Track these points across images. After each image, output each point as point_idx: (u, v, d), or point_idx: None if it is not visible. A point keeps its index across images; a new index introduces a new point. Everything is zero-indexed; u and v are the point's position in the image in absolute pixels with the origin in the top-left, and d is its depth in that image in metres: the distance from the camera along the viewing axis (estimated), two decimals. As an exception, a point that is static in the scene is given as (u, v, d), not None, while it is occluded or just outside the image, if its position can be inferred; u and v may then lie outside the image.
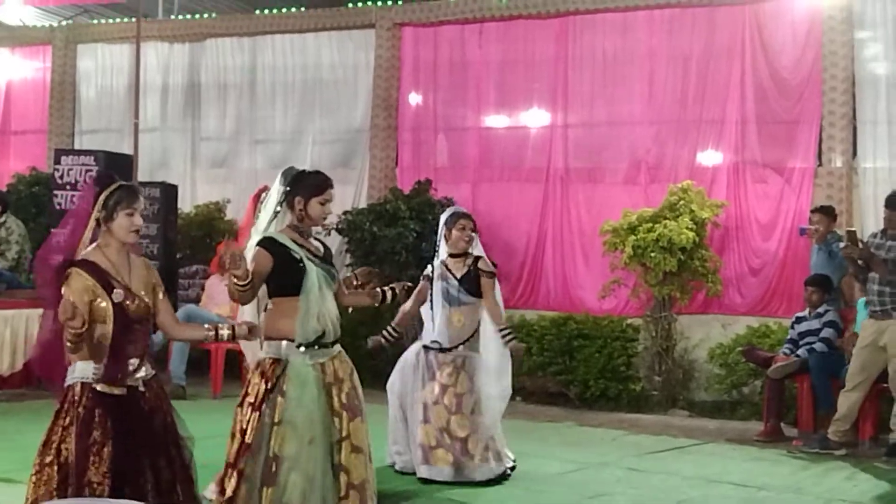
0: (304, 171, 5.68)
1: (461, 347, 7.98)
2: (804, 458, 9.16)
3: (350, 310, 6.00)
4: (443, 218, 8.13)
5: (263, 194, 6.79)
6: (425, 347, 8.09)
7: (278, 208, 5.54)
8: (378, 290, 6.05)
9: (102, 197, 4.80)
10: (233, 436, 5.36)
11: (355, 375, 5.67)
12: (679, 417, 11.23)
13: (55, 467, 4.61)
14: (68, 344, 4.60)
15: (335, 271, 5.66)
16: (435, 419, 7.87)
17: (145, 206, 5.12)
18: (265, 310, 5.57)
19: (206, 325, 5.17)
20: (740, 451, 9.49)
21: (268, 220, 5.52)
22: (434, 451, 7.82)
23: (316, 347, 5.44)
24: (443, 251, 8.02)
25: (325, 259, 5.63)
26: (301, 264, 5.40)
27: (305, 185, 5.56)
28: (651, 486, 7.97)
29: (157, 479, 4.69)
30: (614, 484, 8.02)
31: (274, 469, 5.24)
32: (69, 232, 4.92)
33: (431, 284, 7.84)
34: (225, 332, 5.01)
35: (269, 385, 5.30)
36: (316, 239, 5.72)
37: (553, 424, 10.75)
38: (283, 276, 5.37)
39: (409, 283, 6.62)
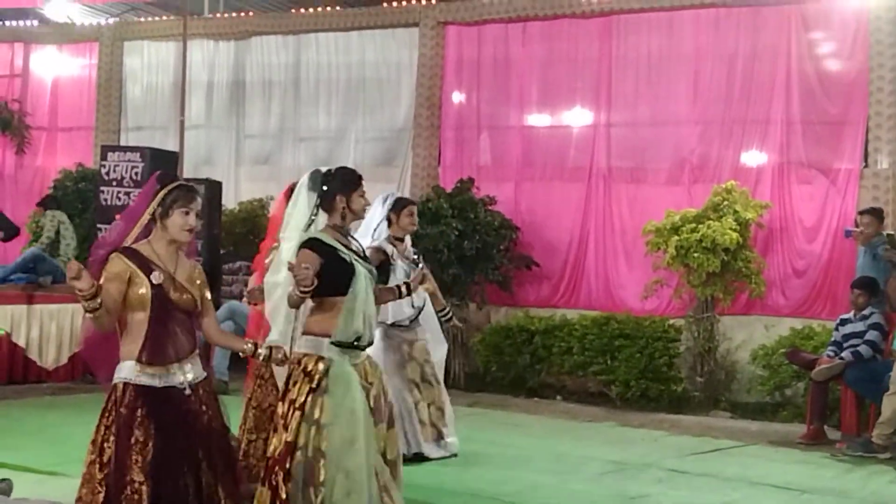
0: (329, 170, 5.61)
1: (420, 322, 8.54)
2: (848, 462, 9.08)
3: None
4: (387, 201, 8.33)
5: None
6: (393, 326, 8.38)
7: (315, 211, 5.49)
8: (395, 286, 6.13)
9: (161, 194, 4.87)
10: (274, 430, 5.37)
11: (384, 379, 5.66)
12: (721, 419, 11.17)
13: (97, 466, 4.64)
14: (89, 315, 4.63)
15: (375, 271, 5.65)
16: (427, 395, 8.44)
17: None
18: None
19: (247, 341, 5.22)
20: (783, 453, 9.42)
21: (306, 224, 5.45)
22: (436, 429, 8.45)
23: (352, 349, 5.42)
24: (383, 233, 8.22)
25: (366, 258, 5.62)
26: (349, 265, 5.38)
27: (343, 183, 5.51)
28: (693, 488, 7.93)
29: (198, 482, 4.71)
30: (655, 485, 7.99)
31: (317, 469, 5.23)
32: (121, 226, 5.01)
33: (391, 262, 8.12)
34: (262, 353, 5.06)
35: (314, 384, 5.29)
36: (353, 238, 5.69)
37: (594, 424, 10.72)
38: (330, 277, 5.28)
39: (425, 271, 6.61)
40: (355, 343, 5.40)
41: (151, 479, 4.58)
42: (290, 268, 5.13)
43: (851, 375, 9.70)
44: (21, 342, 11.62)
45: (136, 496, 4.55)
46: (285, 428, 5.26)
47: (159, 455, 4.62)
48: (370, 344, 5.56)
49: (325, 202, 5.48)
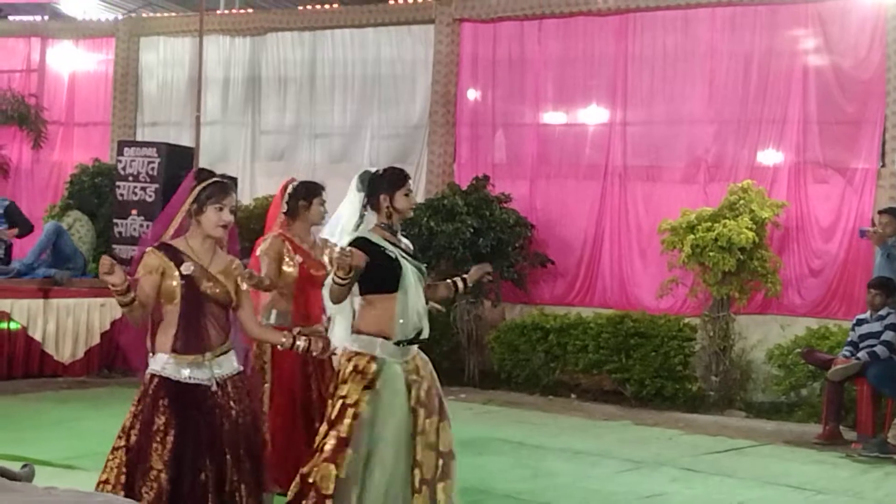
0: (377, 171, 5.67)
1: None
2: (863, 462, 9.07)
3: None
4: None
5: (290, 186, 6.85)
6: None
7: (363, 211, 5.55)
8: (450, 280, 5.98)
9: (196, 190, 4.95)
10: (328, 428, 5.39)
11: (434, 373, 5.64)
12: (736, 418, 11.15)
13: (123, 452, 4.72)
14: (123, 309, 4.71)
15: (424, 267, 5.67)
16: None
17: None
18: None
19: (285, 334, 5.25)
20: (798, 453, 9.41)
21: (354, 225, 5.52)
22: None
23: (412, 344, 5.46)
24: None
25: (415, 256, 5.65)
26: (396, 262, 5.42)
27: (387, 182, 5.57)
28: (707, 487, 7.92)
29: (220, 477, 4.75)
30: (670, 484, 7.98)
31: (364, 466, 5.27)
32: (159, 223, 5.11)
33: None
34: (301, 344, 5.09)
35: (367, 383, 5.30)
36: (403, 236, 5.72)
37: (609, 423, 10.71)
38: (378, 275, 5.35)
39: (489, 269, 6.12)
40: (416, 337, 5.46)
41: (170, 468, 4.64)
42: (331, 259, 5.20)
43: (872, 372, 9.67)
44: (37, 336, 11.66)
45: (155, 483, 4.62)
46: (331, 425, 5.26)
47: (179, 445, 4.68)
48: (426, 337, 5.58)
49: (371, 202, 5.56)
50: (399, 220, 5.65)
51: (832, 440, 9.76)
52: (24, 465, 6.04)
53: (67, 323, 11.86)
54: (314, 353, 5.19)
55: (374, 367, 5.33)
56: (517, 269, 12.72)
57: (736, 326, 11.74)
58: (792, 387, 11.14)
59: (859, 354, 9.85)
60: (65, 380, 11.71)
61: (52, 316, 11.74)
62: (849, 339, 10.18)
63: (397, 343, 5.39)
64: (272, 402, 6.48)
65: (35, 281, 11.94)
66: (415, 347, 5.53)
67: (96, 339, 12.03)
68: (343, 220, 5.64)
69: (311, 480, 5.23)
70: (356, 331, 5.45)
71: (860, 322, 10.14)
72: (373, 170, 5.68)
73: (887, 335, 9.81)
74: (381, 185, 5.57)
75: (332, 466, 5.21)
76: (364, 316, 5.47)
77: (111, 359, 11.95)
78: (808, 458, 9.17)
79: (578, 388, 12.16)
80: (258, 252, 6.68)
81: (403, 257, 5.49)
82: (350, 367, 5.36)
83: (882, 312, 9.93)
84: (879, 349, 9.75)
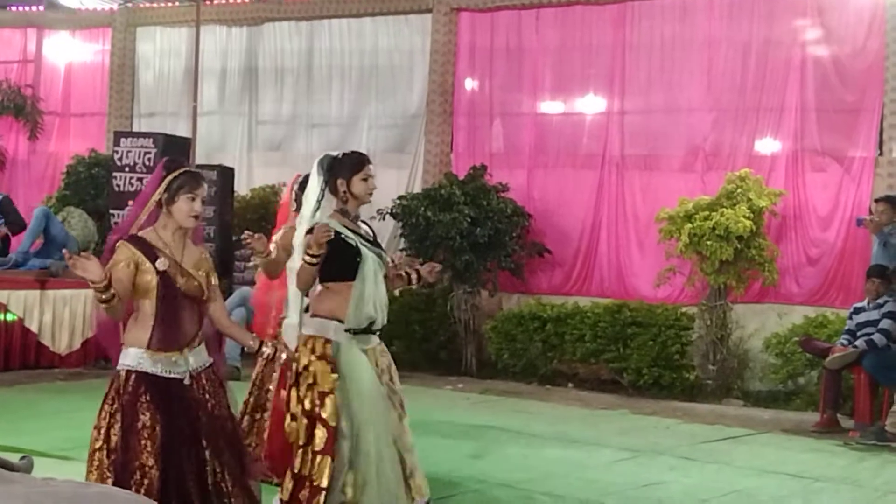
0: (337, 155, 5.61)
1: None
2: (861, 450, 9.06)
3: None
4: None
5: (296, 182, 6.87)
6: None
7: (321, 196, 5.48)
8: (403, 272, 5.86)
9: (167, 180, 4.88)
10: (294, 418, 5.30)
11: (393, 367, 5.61)
12: (733, 407, 11.14)
13: (104, 452, 4.66)
14: (102, 306, 4.64)
15: (385, 255, 5.62)
16: None
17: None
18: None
19: (253, 336, 5.27)
20: (796, 441, 9.40)
21: (312, 210, 5.45)
22: None
23: (364, 334, 5.40)
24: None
25: (375, 243, 5.60)
26: (356, 250, 5.36)
27: (344, 166, 5.50)
28: (704, 476, 7.92)
29: (201, 467, 4.71)
30: (667, 472, 7.98)
31: (350, 451, 5.24)
32: (130, 212, 5.05)
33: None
34: (267, 351, 5.07)
35: (332, 368, 5.28)
36: (363, 222, 5.67)
37: (606, 412, 10.71)
38: (337, 262, 5.30)
39: (439, 265, 6.12)
40: (369, 328, 5.39)
41: (160, 462, 4.60)
42: (317, 237, 5.13)
43: (869, 361, 9.66)
44: (34, 327, 11.65)
45: (145, 480, 4.57)
46: (317, 418, 5.21)
47: (167, 439, 4.64)
48: (382, 329, 5.53)
49: (329, 186, 5.50)
50: (356, 206, 5.56)
51: (830, 428, 9.76)
52: (23, 457, 6.04)
53: (64, 314, 11.85)
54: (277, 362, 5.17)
55: (330, 350, 5.28)
56: (514, 258, 12.71)
57: (733, 315, 11.73)
58: (789, 375, 11.13)
59: (857, 343, 9.84)
60: (61, 371, 11.70)
61: (48, 307, 11.73)
62: (846, 327, 10.17)
63: (347, 331, 5.32)
64: (277, 396, 6.49)
65: (31, 272, 11.93)
66: (372, 339, 5.46)
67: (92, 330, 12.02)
68: (305, 206, 5.57)
69: (304, 474, 5.20)
70: (311, 314, 5.40)
71: (858, 310, 10.13)
72: (334, 153, 5.61)
73: (885, 323, 9.80)
74: (340, 169, 5.50)
75: (328, 458, 5.18)
76: (320, 300, 5.41)
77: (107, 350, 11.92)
78: (806, 447, 9.17)
79: (576, 378, 12.15)
80: (275, 238, 6.75)
81: (364, 245, 5.43)
82: (307, 350, 5.31)
83: (880, 301, 9.92)
84: (877, 337, 9.74)
